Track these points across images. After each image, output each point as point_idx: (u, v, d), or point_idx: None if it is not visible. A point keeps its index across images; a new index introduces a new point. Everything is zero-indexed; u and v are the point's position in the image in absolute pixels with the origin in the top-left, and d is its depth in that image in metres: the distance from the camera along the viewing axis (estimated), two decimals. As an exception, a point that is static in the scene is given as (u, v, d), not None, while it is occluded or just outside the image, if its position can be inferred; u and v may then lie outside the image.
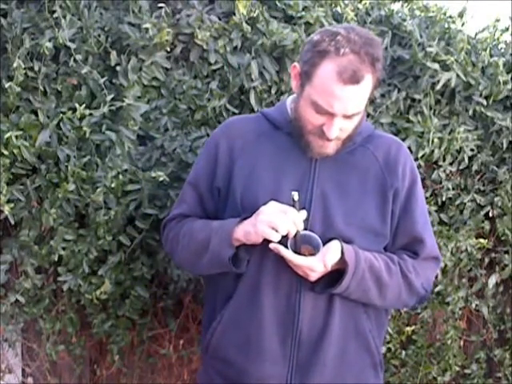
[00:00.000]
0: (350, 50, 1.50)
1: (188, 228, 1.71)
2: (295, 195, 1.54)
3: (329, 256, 1.57)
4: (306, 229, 1.59)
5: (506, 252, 2.54)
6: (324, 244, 1.58)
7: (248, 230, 1.57)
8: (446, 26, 2.44)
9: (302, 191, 1.60)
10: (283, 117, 1.71)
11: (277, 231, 1.53)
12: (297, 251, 1.57)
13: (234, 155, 1.69)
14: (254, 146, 1.69)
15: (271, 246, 1.57)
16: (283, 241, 1.56)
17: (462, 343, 2.60)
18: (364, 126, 1.70)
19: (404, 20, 2.40)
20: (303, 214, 1.57)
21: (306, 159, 1.66)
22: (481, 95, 2.38)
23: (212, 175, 1.71)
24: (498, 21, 2.54)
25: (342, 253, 1.59)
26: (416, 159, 2.26)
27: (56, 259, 2.06)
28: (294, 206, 1.55)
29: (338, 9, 2.38)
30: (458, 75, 2.31)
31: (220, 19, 2.19)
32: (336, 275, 1.60)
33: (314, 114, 1.58)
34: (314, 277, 1.59)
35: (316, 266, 1.56)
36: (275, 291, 1.63)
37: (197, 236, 1.68)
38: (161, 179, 1.99)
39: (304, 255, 1.57)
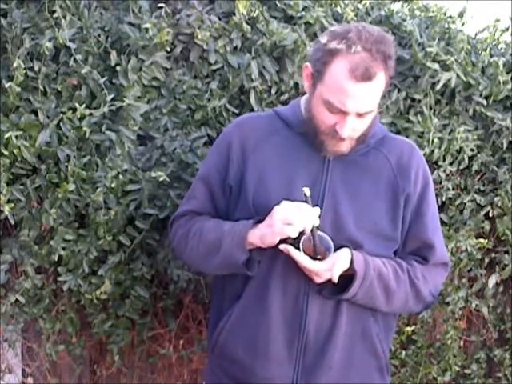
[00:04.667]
0: (361, 48, 1.50)
1: (198, 228, 1.69)
2: (306, 191, 1.53)
3: (337, 266, 1.56)
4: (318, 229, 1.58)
5: (506, 252, 2.54)
6: (335, 247, 1.58)
7: (264, 232, 1.56)
8: (446, 25, 2.45)
9: (314, 192, 1.59)
10: (296, 116, 1.70)
11: (293, 227, 1.52)
12: (308, 253, 1.56)
13: (247, 153, 1.68)
14: (266, 145, 1.68)
15: (281, 246, 1.56)
16: (295, 242, 1.56)
17: (462, 343, 2.60)
18: (377, 128, 1.69)
19: (404, 20, 2.41)
20: (317, 209, 1.55)
21: (318, 160, 1.65)
22: (481, 95, 2.38)
23: (224, 172, 1.70)
24: (498, 21, 2.55)
25: (352, 261, 1.58)
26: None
27: (56, 259, 2.06)
28: (306, 201, 1.54)
29: (338, 9, 2.38)
30: (458, 75, 2.31)
31: (220, 19, 2.19)
32: (345, 279, 1.59)
33: (326, 113, 1.57)
34: (318, 281, 1.59)
35: (323, 273, 1.56)
36: (283, 293, 1.63)
37: (207, 237, 1.66)
38: (161, 179, 1.99)
39: (317, 259, 1.56)
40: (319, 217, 1.55)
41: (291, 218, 1.52)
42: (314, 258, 1.56)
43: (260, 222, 1.60)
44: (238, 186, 1.68)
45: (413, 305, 1.70)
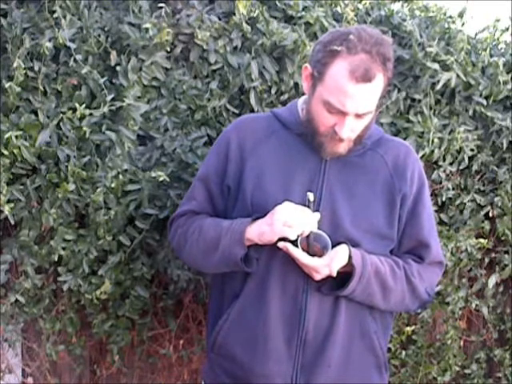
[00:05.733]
0: (361, 49, 1.51)
1: (197, 226, 1.71)
2: (311, 196, 1.56)
3: (335, 262, 1.58)
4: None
5: (506, 252, 2.54)
6: (332, 245, 1.59)
7: (263, 230, 1.57)
8: (446, 26, 2.45)
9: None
10: (294, 117, 1.72)
11: (292, 230, 1.54)
12: (306, 250, 1.58)
13: (245, 154, 1.70)
14: (265, 146, 1.70)
15: (280, 244, 1.57)
16: (293, 240, 1.57)
17: (462, 343, 2.60)
18: (374, 129, 1.71)
19: (404, 20, 2.40)
20: (317, 215, 1.58)
21: (315, 160, 1.66)
22: (481, 95, 2.38)
23: (222, 173, 1.72)
24: (498, 21, 2.55)
25: (350, 257, 1.59)
26: (416, 159, 2.26)
27: (56, 259, 2.06)
28: (308, 206, 1.56)
29: (338, 9, 2.38)
30: (458, 75, 2.32)
31: (220, 19, 2.19)
32: (342, 277, 1.61)
33: (325, 113, 1.58)
34: (317, 277, 1.60)
35: (322, 269, 1.58)
36: (282, 291, 1.64)
37: (206, 234, 1.68)
38: (161, 179, 1.99)
39: (314, 254, 1.58)
40: (318, 222, 1.58)
41: (292, 220, 1.54)
42: (311, 255, 1.58)
43: (259, 219, 1.61)
44: (236, 187, 1.69)
45: (409, 302, 1.71)
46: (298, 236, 1.56)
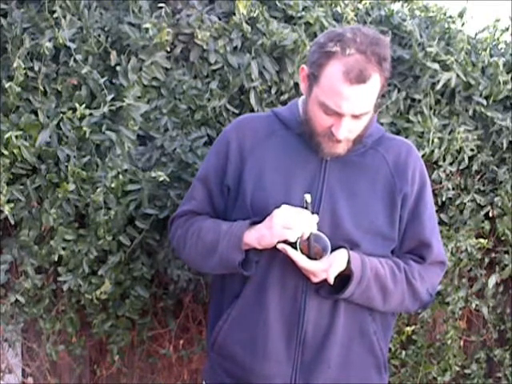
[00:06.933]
0: (356, 50, 1.50)
1: (197, 227, 1.71)
2: (308, 197, 1.55)
3: (333, 268, 1.57)
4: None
5: (506, 252, 2.54)
6: (332, 247, 1.58)
7: (263, 234, 1.57)
8: (446, 26, 2.45)
9: (312, 192, 1.60)
10: (294, 117, 1.71)
11: (292, 232, 1.54)
12: (306, 251, 1.58)
13: (245, 154, 1.69)
14: (265, 146, 1.69)
15: (279, 246, 1.57)
16: (292, 242, 1.57)
17: (462, 343, 2.60)
18: (374, 128, 1.70)
19: (404, 20, 2.40)
20: (315, 216, 1.57)
21: (316, 160, 1.66)
22: (481, 95, 2.38)
23: (222, 173, 1.71)
24: (497, 21, 2.55)
25: (349, 261, 1.59)
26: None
27: (56, 259, 2.06)
28: (306, 208, 1.56)
29: (338, 9, 2.38)
30: (458, 75, 2.32)
31: (220, 19, 2.19)
32: (343, 278, 1.60)
33: (322, 115, 1.57)
34: (315, 280, 1.60)
35: (319, 273, 1.57)
36: (281, 292, 1.64)
37: (205, 237, 1.68)
38: (161, 179, 1.99)
39: (314, 256, 1.58)
40: (317, 223, 1.57)
41: (291, 222, 1.53)
42: (310, 258, 1.57)
43: (256, 223, 1.60)
44: (235, 187, 1.69)
45: (409, 304, 1.71)
46: (298, 238, 1.56)
